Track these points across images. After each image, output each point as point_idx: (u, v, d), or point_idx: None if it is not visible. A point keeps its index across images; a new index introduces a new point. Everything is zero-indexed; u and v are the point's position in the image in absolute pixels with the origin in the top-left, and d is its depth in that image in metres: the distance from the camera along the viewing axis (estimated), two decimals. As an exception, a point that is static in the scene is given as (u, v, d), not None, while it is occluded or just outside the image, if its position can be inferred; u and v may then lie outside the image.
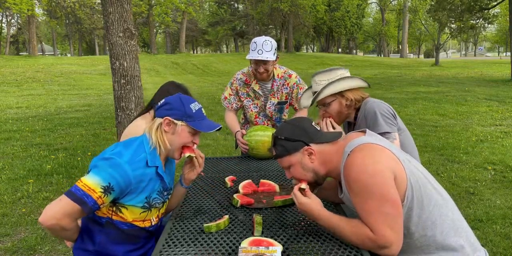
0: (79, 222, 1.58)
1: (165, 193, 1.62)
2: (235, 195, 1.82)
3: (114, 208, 1.50)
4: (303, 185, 1.49)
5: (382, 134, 1.81)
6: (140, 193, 1.48)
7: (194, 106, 1.56)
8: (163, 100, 1.58)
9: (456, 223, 1.38)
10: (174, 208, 1.77)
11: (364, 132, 1.50)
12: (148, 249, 1.66)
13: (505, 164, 4.70)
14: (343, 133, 1.55)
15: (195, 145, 1.60)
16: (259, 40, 2.53)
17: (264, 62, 2.56)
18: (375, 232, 1.29)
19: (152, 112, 2.15)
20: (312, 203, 1.44)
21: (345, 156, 1.39)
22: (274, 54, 2.55)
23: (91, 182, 1.38)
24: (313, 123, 1.53)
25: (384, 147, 1.38)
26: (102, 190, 1.38)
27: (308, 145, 1.47)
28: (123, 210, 1.50)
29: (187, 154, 1.56)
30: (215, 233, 1.51)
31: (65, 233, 1.45)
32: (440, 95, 11.45)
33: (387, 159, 1.34)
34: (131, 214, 1.51)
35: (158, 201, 1.57)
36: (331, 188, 1.74)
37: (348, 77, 1.94)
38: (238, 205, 1.77)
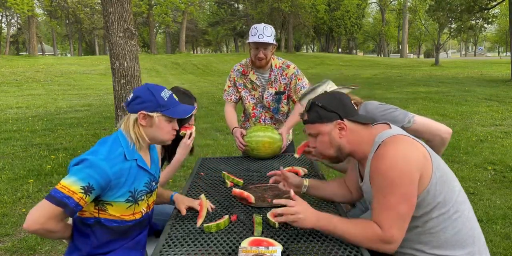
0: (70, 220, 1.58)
1: (153, 183, 1.63)
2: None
3: (98, 207, 1.49)
4: (291, 192, 1.47)
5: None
6: (121, 187, 1.47)
7: (165, 94, 1.53)
8: (131, 95, 1.53)
9: (470, 222, 1.39)
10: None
11: (389, 124, 1.49)
12: (137, 236, 1.62)
13: (505, 164, 4.71)
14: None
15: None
16: (259, 25, 2.57)
17: (264, 46, 2.58)
18: (383, 227, 1.29)
19: None
20: (306, 208, 1.39)
21: (375, 146, 1.39)
22: (273, 39, 2.59)
23: (70, 184, 1.37)
24: (352, 101, 1.51)
25: (414, 139, 1.38)
26: (83, 191, 1.37)
27: (342, 119, 1.46)
28: (108, 207, 1.49)
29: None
30: (215, 233, 1.51)
31: (53, 235, 1.44)
32: (440, 95, 11.45)
33: (418, 154, 1.33)
34: (118, 209, 1.50)
35: (144, 193, 1.57)
36: (324, 187, 1.76)
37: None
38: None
